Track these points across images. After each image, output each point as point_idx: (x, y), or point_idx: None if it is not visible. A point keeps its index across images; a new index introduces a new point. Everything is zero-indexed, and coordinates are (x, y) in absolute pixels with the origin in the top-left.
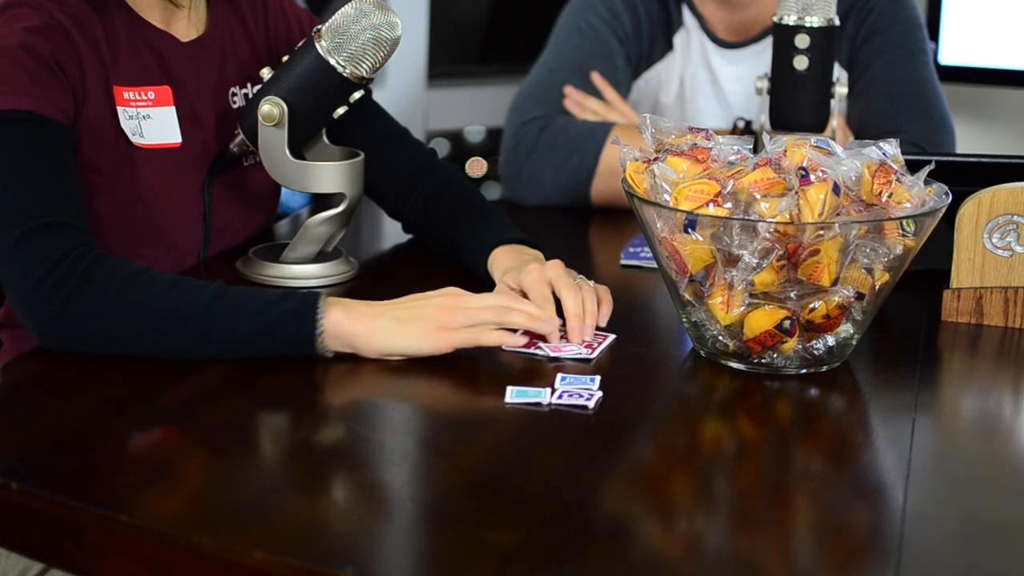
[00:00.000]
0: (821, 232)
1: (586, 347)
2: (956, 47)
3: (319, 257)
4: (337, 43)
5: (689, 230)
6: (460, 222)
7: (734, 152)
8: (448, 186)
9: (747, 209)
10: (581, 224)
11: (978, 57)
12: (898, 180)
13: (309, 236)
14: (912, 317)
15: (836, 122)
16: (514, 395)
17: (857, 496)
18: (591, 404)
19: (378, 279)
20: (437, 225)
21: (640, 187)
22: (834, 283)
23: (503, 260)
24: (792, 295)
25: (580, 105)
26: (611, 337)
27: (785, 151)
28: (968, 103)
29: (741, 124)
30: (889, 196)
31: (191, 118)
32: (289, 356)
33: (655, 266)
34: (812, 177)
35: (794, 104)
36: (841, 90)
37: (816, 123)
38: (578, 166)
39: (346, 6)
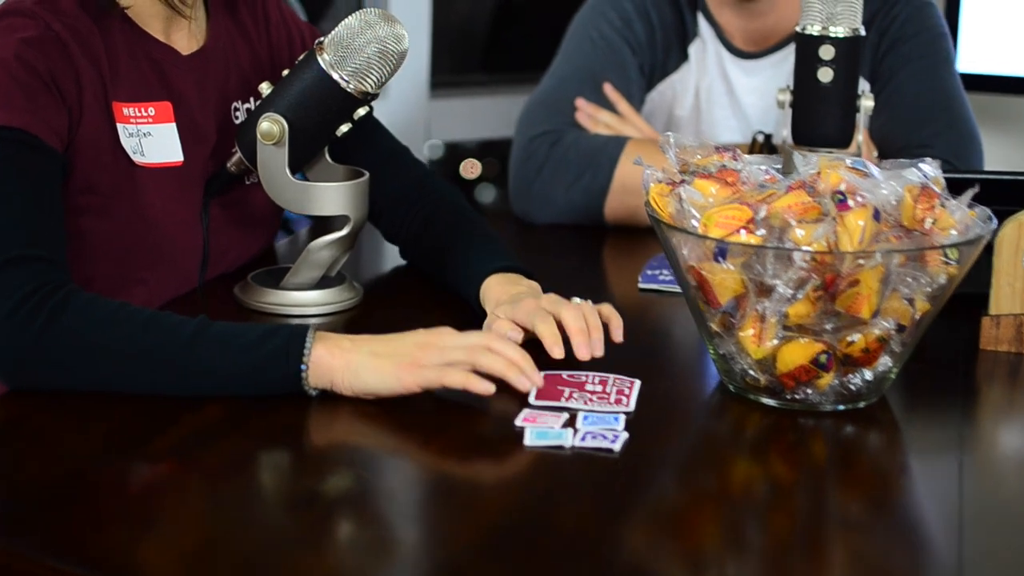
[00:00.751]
0: (861, 261)
1: (615, 401)
2: (973, 54)
3: (321, 282)
4: (340, 56)
5: (720, 258)
6: (453, 247)
7: (763, 173)
8: (444, 208)
9: (781, 236)
10: (594, 243)
11: (994, 64)
12: (941, 204)
13: (311, 261)
14: (948, 345)
15: (862, 137)
16: (534, 437)
17: (902, 545)
18: (617, 447)
19: (383, 305)
20: (431, 250)
21: (665, 211)
22: (874, 315)
23: (496, 291)
24: (828, 327)
25: (592, 118)
26: (637, 384)
27: (819, 173)
28: (985, 112)
29: (760, 138)
30: (933, 222)
31: (193, 135)
32: (276, 394)
33: (676, 290)
34: (851, 202)
35: (818, 118)
36: (867, 103)
37: (841, 138)
38: (591, 182)
39: (349, 17)
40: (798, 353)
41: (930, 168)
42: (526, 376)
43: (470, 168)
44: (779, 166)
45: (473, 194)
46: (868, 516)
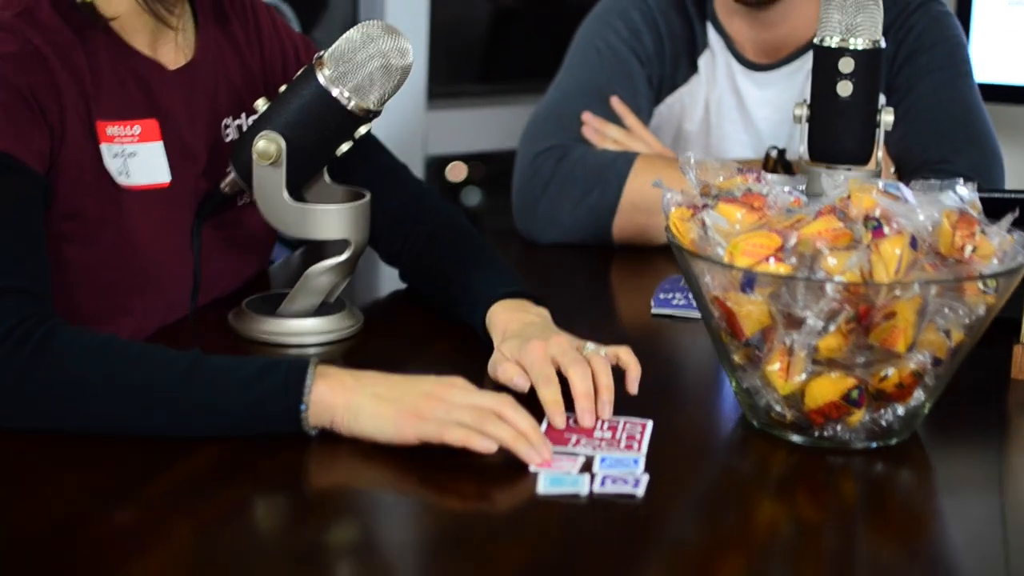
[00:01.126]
0: (898, 293)
1: (626, 447)
2: (984, 63)
3: (320, 309)
4: (341, 72)
5: (747, 289)
6: (456, 270)
7: (786, 194)
8: (446, 229)
9: (811, 265)
10: (602, 264)
11: (1004, 74)
12: (982, 231)
13: (309, 287)
14: (978, 374)
15: (881, 153)
16: (548, 484)
17: None
18: (640, 491)
19: (385, 333)
20: (433, 273)
21: (686, 237)
22: (909, 348)
23: (503, 319)
24: (861, 361)
25: (599, 133)
26: (648, 425)
27: (849, 196)
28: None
29: (775, 154)
30: (973, 250)
31: (181, 154)
32: (274, 434)
33: (691, 315)
34: (886, 229)
35: (837, 133)
36: (887, 118)
37: (860, 154)
38: (599, 200)
39: (350, 31)
40: (828, 388)
41: (966, 191)
42: (535, 450)
43: (456, 171)
44: (803, 187)
45: (459, 197)
46: (902, 562)
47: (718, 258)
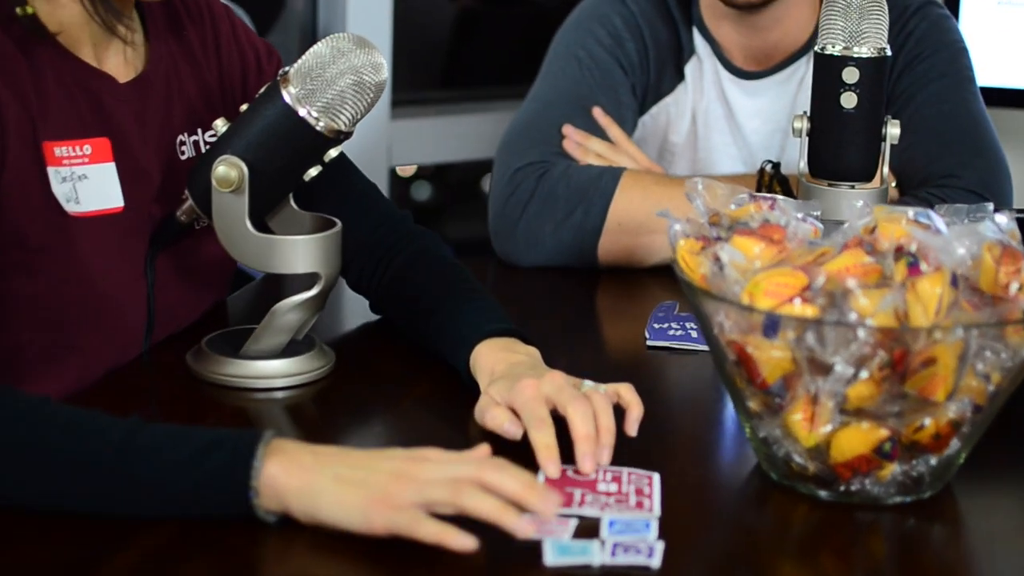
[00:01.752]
0: (939, 337)
1: (637, 505)
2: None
3: (288, 349)
4: (309, 90)
5: (769, 333)
6: (436, 305)
7: (805, 223)
8: (424, 259)
9: (840, 304)
10: (588, 288)
11: (996, 76)
12: None
13: (276, 325)
14: (1013, 417)
15: (887, 169)
16: (555, 554)
17: None
18: (655, 563)
19: (359, 375)
20: (411, 308)
21: (696, 272)
22: (949, 396)
23: (489, 360)
24: (894, 411)
25: (582, 147)
26: (656, 480)
27: (874, 227)
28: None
29: (769, 168)
30: (1019, 287)
31: (134, 175)
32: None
33: (691, 347)
34: (923, 266)
35: (840, 148)
36: (894, 131)
37: (864, 170)
38: (583, 220)
39: (318, 44)
40: (858, 440)
41: (1004, 219)
42: (526, 520)
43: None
44: (819, 212)
45: (409, 191)
46: None
47: (736, 298)
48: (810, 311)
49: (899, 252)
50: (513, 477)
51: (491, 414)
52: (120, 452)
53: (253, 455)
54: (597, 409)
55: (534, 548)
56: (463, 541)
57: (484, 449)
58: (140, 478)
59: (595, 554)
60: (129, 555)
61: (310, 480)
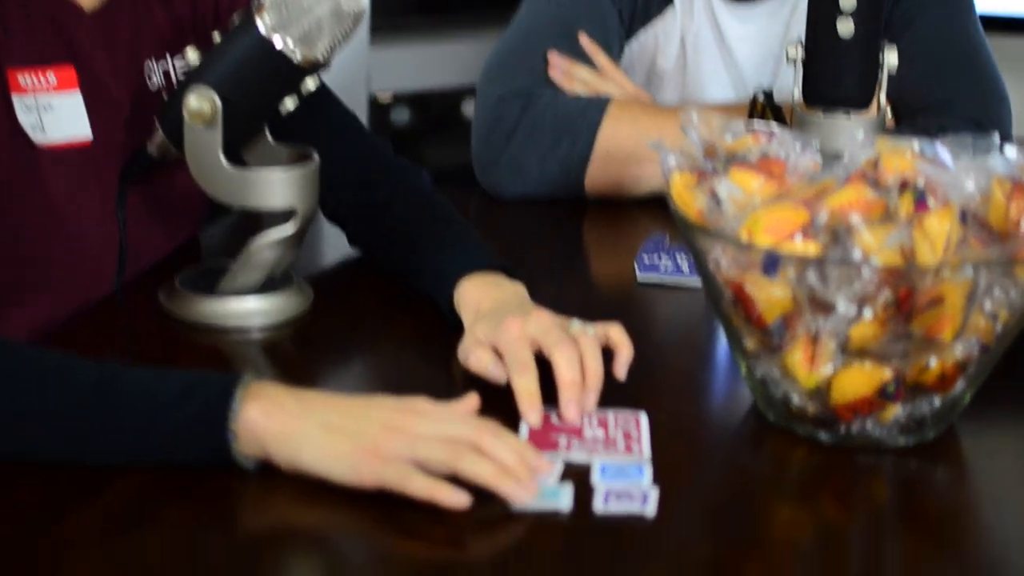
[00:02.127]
0: (947, 276)
1: (625, 449)
2: None
3: (265, 286)
4: (285, 18)
5: (769, 271)
6: (417, 240)
7: (805, 156)
8: (405, 192)
9: (843, 241)
10: (574, 220)
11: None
12: None
13: (252, 263)
14: (1016, 356)
15: (884, 97)
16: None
17: None
18: (648, 510)
19: (340, 312)
20: (389, 242)
21: (691, 207)
22: (956, 336)
23: (473, 298)
24: (898, 351)
25: (567, 74)
26: (643, 418)
27: (877, 160)
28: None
29: (762, 97)
30: None
31: (103, 105)
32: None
33: (683, 282)
34: (931, 201)
35: (836, 76)
36: (891, 59)
37: (861, 99)
38: (570, 150)
39: None
40: (860, 382)
41: (1014, 152)
42: (523, 486)
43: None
44: (817, 143)
45: (389, 117)
46: (940, 572)
47: (734, 235)
48: (812, 248)
49: (904, 187)
50: (509, 446)
51: (475, 356)
52: (92, 398)
53: (231, 398)
54: (584, 352)
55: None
56: (455, 498)
57: (473, 400)
58: (113, 424)
59: (565, 498)
60: (100, 504)
61: (294, 426)
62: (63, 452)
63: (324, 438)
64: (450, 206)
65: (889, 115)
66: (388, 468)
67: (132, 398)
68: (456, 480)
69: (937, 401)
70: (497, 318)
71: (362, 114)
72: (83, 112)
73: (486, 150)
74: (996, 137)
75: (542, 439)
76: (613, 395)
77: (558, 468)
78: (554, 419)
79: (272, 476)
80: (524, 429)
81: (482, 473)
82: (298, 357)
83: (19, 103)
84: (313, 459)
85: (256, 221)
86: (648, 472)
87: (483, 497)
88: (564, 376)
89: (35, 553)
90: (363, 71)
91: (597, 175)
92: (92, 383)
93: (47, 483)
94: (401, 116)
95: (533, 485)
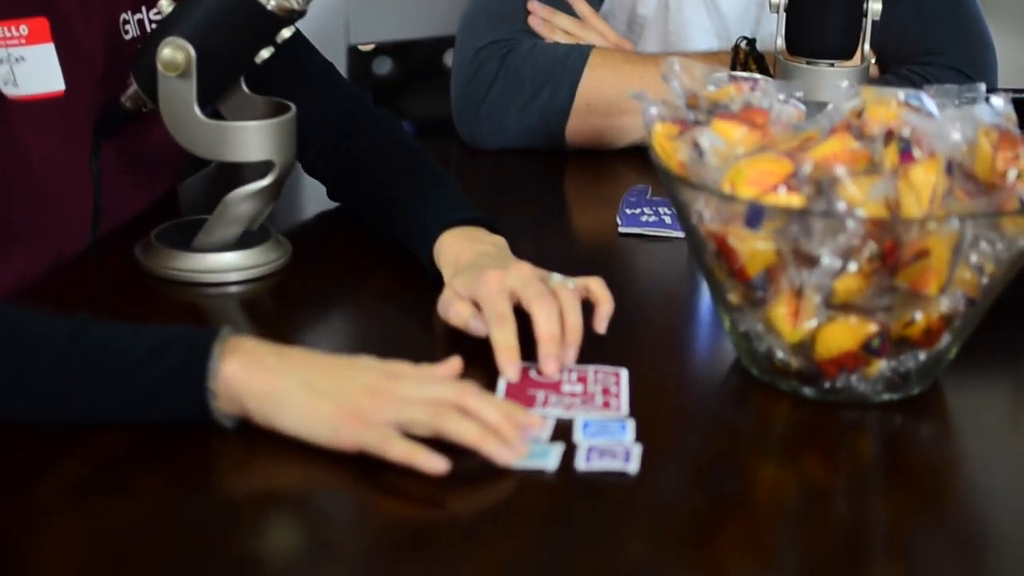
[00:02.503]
0: (933, 228)
1: (604, 404)
2: None
3: (241, 240)
4: None
5: (753, 224)
6: (396, 193)
7: (788, 105)
8: (384, 143)
9: (827, 192)
10: (556, 171)
11: None
12: None
13: (228, 216)
14: (1002, 309)
15: (868, 46)
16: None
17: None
18: (631, 468)
19: (318, 266)
20: (367, 194)
21: (673, 158)
22: (942, 290)
23: (453, 251)
24: (883, 305)
25: (547, 23)
26: (624, 376)
27: (861, 110)
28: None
29: (744, 45)
30: (1018, 175)
31: (76, 57)
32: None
33: (664, 234)
34: (916, 152)
35: (819, 25)
36: (875, 6)
37: (845, 47)
38: (549, 101)
39: None
40: (844, 336)
41: (1000, 102)
42: (508, 447)
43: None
44: (800, 93)
45: (371, 67)
46: (926, 527)
47: (716, 186)
48: (796, 200)
49: (889, 137)
50: (493, 406)
51: (455, 309)
52: (66, 354)
53: (209, 354)
54: (564, 306)
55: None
56: (434, 463)
57: (455, 363)
58: (88, 381)
59: (553, 459)
60: (74, 466)
61: (275, 384)
62: (33, 410)
63: (305, 398)
64: (431, 158)
65: (873, 64)
66: (368, 432)
67: (105, 354)
68: (438, 444)
69: (922, 356)
70: (476, 271)
71: (341, 64)
72: (56, 64)
73: (465, 101)
74: (983, 86)
75: (520, 394)
76: (594, 350)
77: (550, 425)
78: (533, 374)
79: (249, 435)
80: (502, 383)
81: (466, 434)
82: (276, 312)
83: None
84: (293, 420)
85: (233, 175)
86: (631, 428)
87: (466, 456)
88: (543, 330)
89: (7, 519)
90: (341, 20)
91: (578, 126)
92: (65, 339)
93: (16, 446)
94: (382, 66)
95: (522, 445)
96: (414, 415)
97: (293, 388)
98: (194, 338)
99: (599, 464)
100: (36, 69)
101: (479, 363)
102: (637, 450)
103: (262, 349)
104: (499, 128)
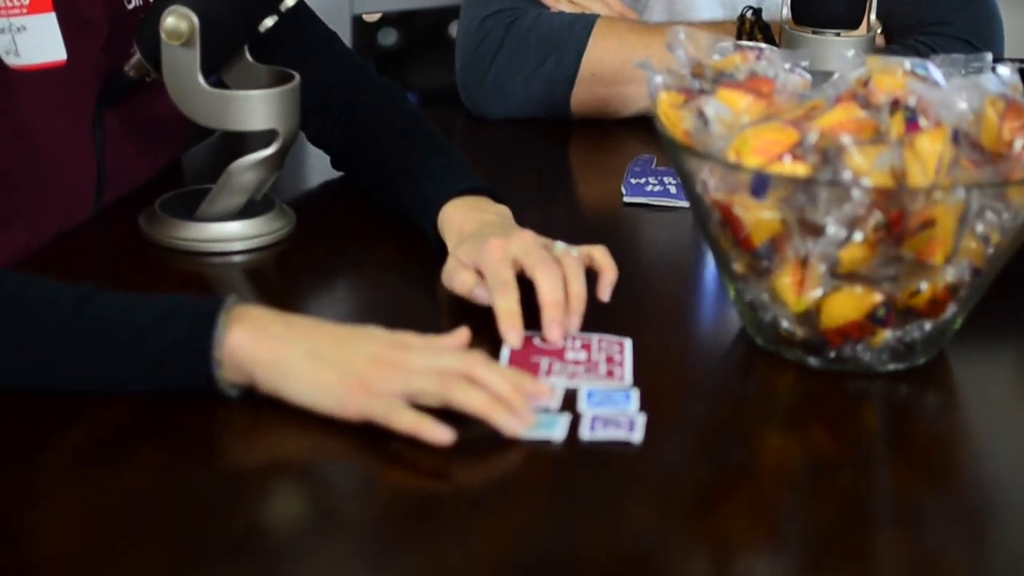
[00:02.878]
0: (939, 197)
1: (607, 373)
2: None
3: (245, 210)
4: None
5: (758, 193)
6: (400, 164)
7: (794, 75)
8: (387, 112)
9: (833, 162)
10: (560, 141)
11: None
12: None
13: (232, 186)
14: (1007, 279)
15: (874, 16)
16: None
17: (970, 533)
18: (635, 437)
19: (322, 235)
20: (371, 164)
21: (678, 127)
22: (948, 260)
23: (456, 221)
24: (889, 274)
25: None
26: (628, 345)
27: (867, 79)
28: None
29: (750, 14)
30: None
31: (78, 26)
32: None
33: (669, 203)
34: (922, 121)
35: None
36: None
37: (851, 16)
38: (555, 70)
39: None
40: (849, 306)
41: (1007, 71)
42: (516, 417)
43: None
44: (806, 63)
45: (376, 37)
46: (931, 498)
47: (721, 155)
48: (801, 169)
49: (895, 106)
50: (501, 376)
51: (459, 278)
52: (71, 322)
53: (214, 323)
54: (567, 273)
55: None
56: (440, 433)
57: (463, 334)
58: (92, 350)
59: (561, 429)
60: (76, 436)
61: (281, 353)
62: (36, 379)
63: (311, 367)
64: (432, 126)
65: (879, 34)
66: (375, 402)
67: (110, 324)
68: (444, 415)
69: (928, 326)
70: (480, 240)
71: (345, 34)
72: (58, 34)
73: (470, 71)
74: (989, 56)
75: (523, 361)
76: (598, 320)
77: (559, 395)
78: (537, 341)
79: (254, 406)
80: (506, 351)
81: (474, 403)
82: (280, 282)
83: None
84: (299, 389)
85: (237, 144)
86: (635, 398)
87: (472, 427)
88: (547, 296)
89: (8, 489)
90: None
91: (583, 95)
92: (69, 308)
93: (22, 413)
94: (387, 37)
95: (529, 415)
96: (422, 385)
97: (299, 357)
98: (199, 307)
99: (603, 434)
100: (38, 39)
101: (483, 332)
102: (641, 420)
103: (268, 317)
104: (504, 97)
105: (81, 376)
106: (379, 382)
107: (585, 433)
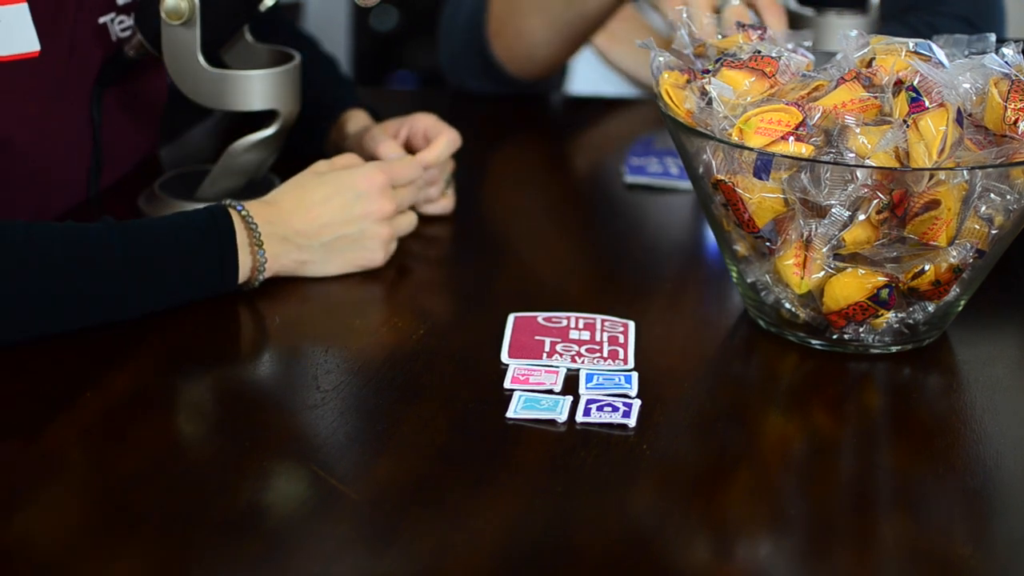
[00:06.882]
0: (943, 178)
1: (610, 355)
2: None
3: (246, 190)
4: None
5: (761, 174)
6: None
7: (797, 55)
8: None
9: (837, 142)
10: (561, 122)
11: None
12: None
13: (232, 166)
14: (1010, 260)
15: None
16: (520, 406)
17: (972, 516)
18: (630, 422)
19: None
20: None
21: (680, 107)
22: (951, 241)
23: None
24: (892, 256)
25: None
26: (631, 328)
27: (871, 59)
28: None
29: None
30: None
31: (50, 16)
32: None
33: (670, 185)
34: (927, 101)
35: None
36: None
37: None
38: (471, 6)
39: None
40: (853, 288)
41: (1011, 52)
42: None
43: None
44: (809, 43)
45: (373, 19)
46: (934, 480)
47: (724, 136)
48: (805, 150)
49: (899, 86)
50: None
51: (383, 147)
52: (107, 236)
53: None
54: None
55: (502, 398)
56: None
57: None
58: (128, 264)
59: (563, 409)
60: (76, 417)
61: (303, 259)
62: (73, 317)
63: (338, 263)
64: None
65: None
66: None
67: (135, 239)
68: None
69: (931, 307)
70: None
71: (343, 17)
72: (30, 24)
73: (444, 49)
74: (992, 37)
75: (527, 340)
76: (601, 301)
77: (562, 373)
78: (540, 320)
79: (255, 384)
80: (510, 321)
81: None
82: None
83: None
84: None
85: (237, 124)
86: (635, 381)
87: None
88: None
89: (8, 471)
90: None
91: (499, 29)
92: (102, 239)
93: (59, 362)
94: (386, 18)
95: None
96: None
97: (320, 260)
98: (216, 215)
99: (598, 417)
100: (9, 30)
101: (483, 309)
102: (636, 404)
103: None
104: (457, 64)
105: (120, 307)
106: (388, 231)
107: (580, 416)
